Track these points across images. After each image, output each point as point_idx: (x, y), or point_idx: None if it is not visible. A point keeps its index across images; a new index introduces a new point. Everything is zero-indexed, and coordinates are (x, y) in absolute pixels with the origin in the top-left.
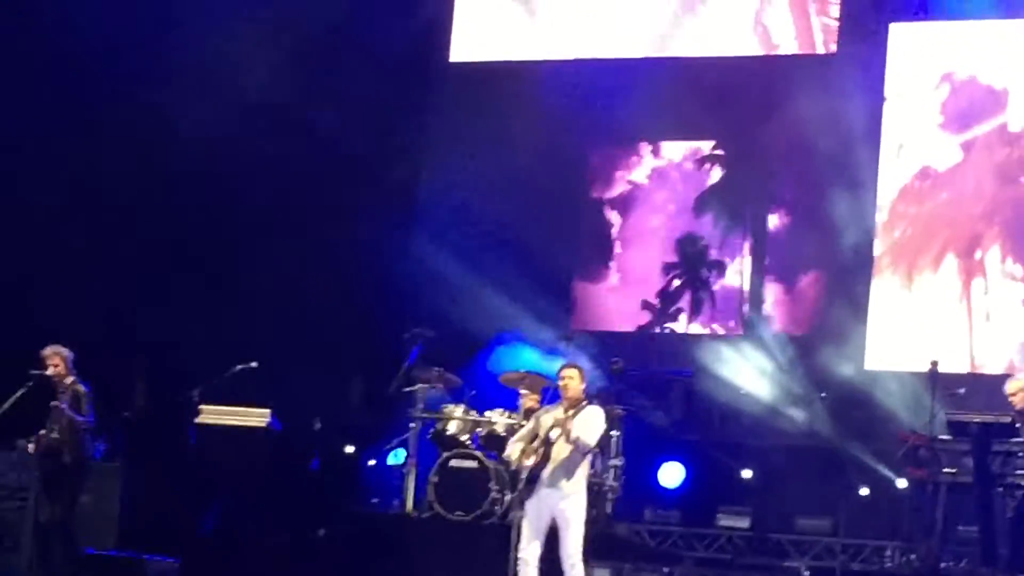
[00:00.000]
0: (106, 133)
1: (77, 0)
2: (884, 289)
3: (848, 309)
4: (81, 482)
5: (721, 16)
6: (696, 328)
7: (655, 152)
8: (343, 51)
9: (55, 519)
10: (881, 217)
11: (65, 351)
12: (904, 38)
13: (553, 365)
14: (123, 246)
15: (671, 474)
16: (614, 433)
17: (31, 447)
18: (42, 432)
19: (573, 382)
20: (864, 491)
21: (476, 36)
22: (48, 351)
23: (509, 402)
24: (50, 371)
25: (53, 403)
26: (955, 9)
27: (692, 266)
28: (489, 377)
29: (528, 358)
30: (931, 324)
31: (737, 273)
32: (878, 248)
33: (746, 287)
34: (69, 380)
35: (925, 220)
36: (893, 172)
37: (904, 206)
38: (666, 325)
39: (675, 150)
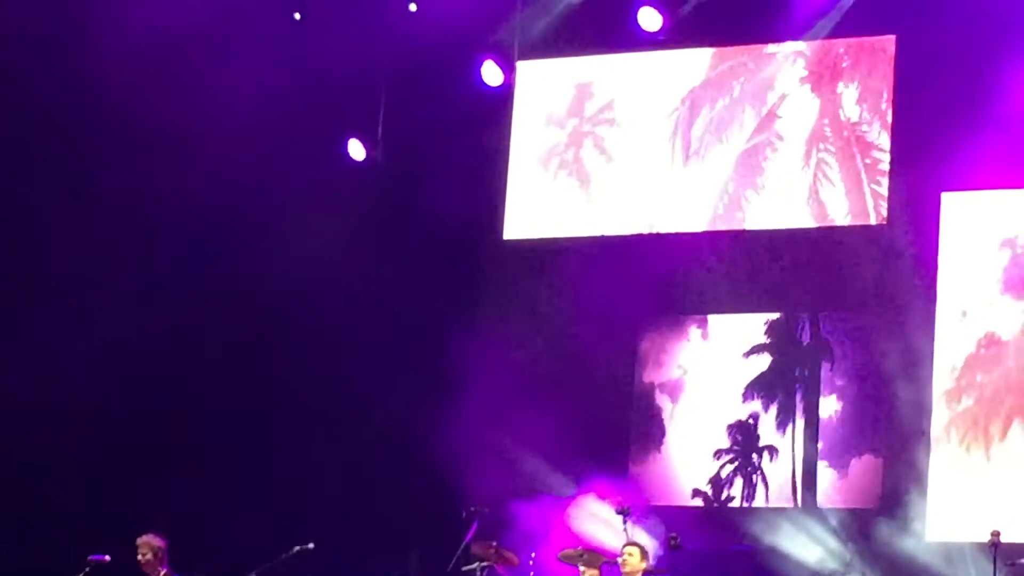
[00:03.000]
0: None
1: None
2: (948, 460)
3: (908, 484)
4: None
5: (775, 189)
6: None
7: (704, 335)
8: (394, 229)
9: None
10: (945, 386)
11: (157, 541)
12: (958, 207)
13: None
14: (176, 430)
15: None
16: None
17: None
18: None
19: (632, 559)
20: None
21: (530, 213)
22: (141, 539)
23: None
24: (141, 560)
25: None
26: (1010, 178)
27: (744, 451)
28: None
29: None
30: (999, 493)
31: (789, 458)
32: (942, 418)
33: (799, 472)
34: (162, 572)
35: (993, 388)
36: (957, 340)
37: (971, 374)
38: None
39: (724, 333)
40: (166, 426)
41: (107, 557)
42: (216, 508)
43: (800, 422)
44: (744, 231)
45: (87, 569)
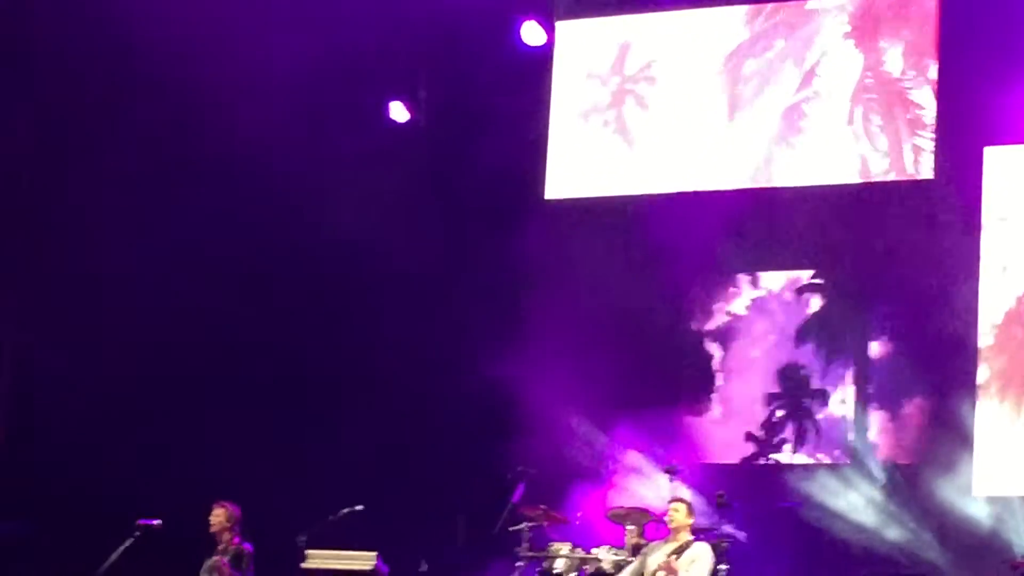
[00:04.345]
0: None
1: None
2: (991, 414)
3: (954, 435)
4: None
5: (817, 145)
6: (801, 458)
7: (753, 283)
8: (437, 191)
9: None
10: (986, 341)
11: (231, 507)
12: (1001, 161)
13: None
14: (226, 392)
15: None
16: (721, 567)
17: None
18: None
19: (678, 515)
20: None
21: (572, 173)
22: (217, 505)
23: (615, 538)
24: (213, 523)
25: (215, 558)
26: None
27: (795, 396)
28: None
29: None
30: None
31: (840, 402)
32: (984, 373)
33: (850, 415)
34: (229, 537)
35: None
36: (997, 296)
37: (1009, 330)
38: (770, 456)
39: (774, 280)
40: (213, 391)
41: (157, 521)
42: (265, 471)
43: (851, 366)
44: (787, 188)
45: (137, 533)
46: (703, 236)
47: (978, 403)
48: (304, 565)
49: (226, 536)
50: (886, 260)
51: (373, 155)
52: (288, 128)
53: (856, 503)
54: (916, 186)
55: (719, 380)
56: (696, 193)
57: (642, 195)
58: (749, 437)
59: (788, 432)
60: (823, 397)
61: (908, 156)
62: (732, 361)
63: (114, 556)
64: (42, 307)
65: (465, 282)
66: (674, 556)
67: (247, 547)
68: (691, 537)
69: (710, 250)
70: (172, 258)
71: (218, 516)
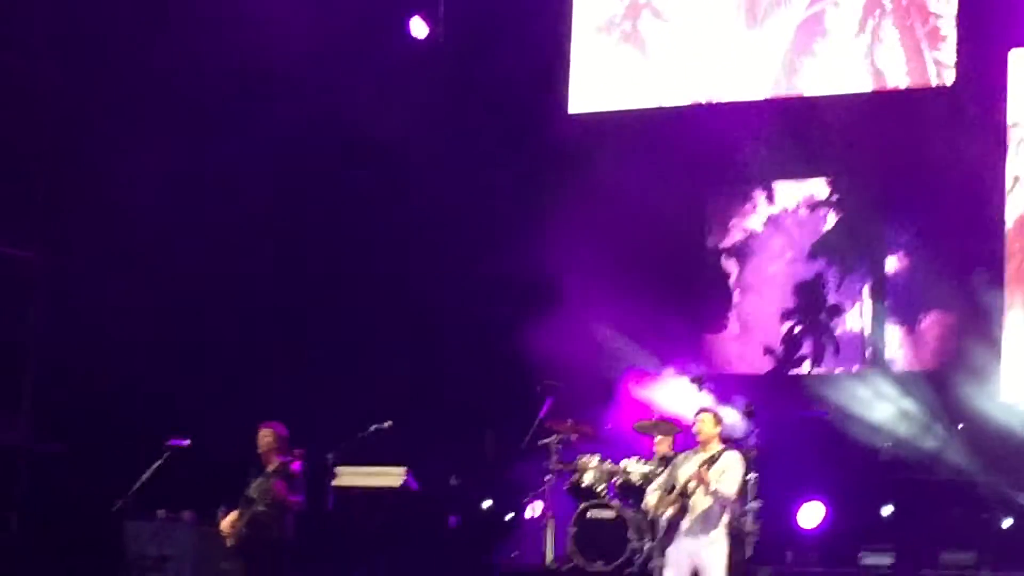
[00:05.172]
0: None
1: None
2: (1014, 321)
3: (980, 342)
4: (283, 562)
5: (833, 55)
6: (820, 372)
7: (769, 199)
8: (460, 107)
9: None
10: (1007, 248)
11: (278, 428)
12: None
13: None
14: (254, 312)
15: (810, 514)
16: (751, 476)
17: (223, 525)
18: (230, 510)
19: (706, 425)
20: (1007, 523)
21: (593, 86)
22: (265, 426)
23: (644, 450)
24: (261, 444)
25: (268, 480)
26: None
27: (811, 312)
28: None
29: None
30: None
31: (857, 317)
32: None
33: (867, 330)
34: (277, 458)
35: None
36: (1010, 202)
37: (1020, 237)
38: (790, 372)
39: (789, 196)
40: (243, 312)
41: (187, 442)
42: (294, 390)
43: (867, 280)
44: (804, 98)
45: (166, 454)
46: (723, 146)
47: (1006, 310)
48: (335, 482)
49: (273, 457)
50: (904, 171)
51: (395, 69)
52: (312, 45)
53: (885, 412)
54: (935, 93)
55: (736, 297)
56: (715, 105)
57: (662, 108)
58: (767, 352)
59: (806, 348)
60: (840, 312)
61: (928, 64)
62: (749, 278)
63: (145, 476)
64: (76, 231)
65: (486, 198)
66: (705, 466)
67: (296, 468)
68: (721, 447)
69: (730, 160)
70: (202, 179)
71: (266, 437)
